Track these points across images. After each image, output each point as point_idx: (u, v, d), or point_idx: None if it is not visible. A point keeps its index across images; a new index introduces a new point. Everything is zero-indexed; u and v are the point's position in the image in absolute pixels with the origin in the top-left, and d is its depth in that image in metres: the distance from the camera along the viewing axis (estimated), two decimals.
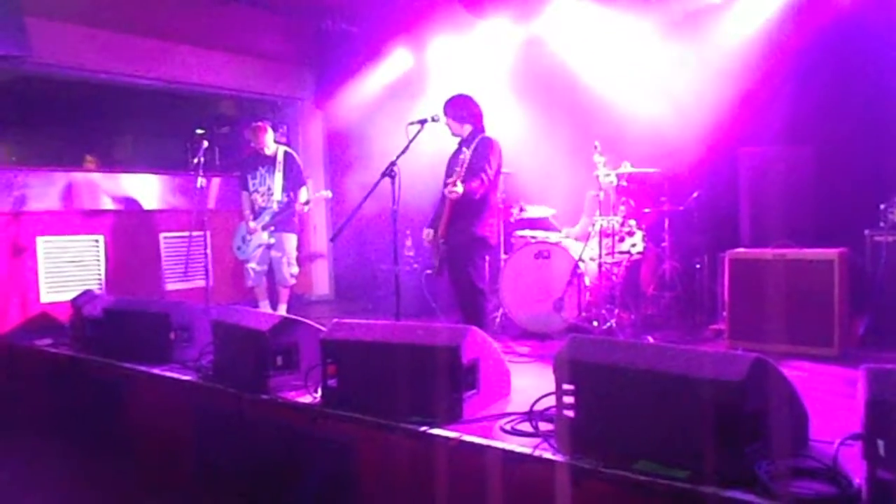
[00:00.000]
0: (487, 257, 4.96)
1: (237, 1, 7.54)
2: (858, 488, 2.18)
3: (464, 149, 4.61)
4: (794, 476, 2.32)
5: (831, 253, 4.35)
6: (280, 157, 6.47)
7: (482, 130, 4.83)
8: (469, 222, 4.64)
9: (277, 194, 6.40)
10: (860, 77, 5.21)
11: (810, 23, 5.29)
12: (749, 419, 2.34)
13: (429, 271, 4.87)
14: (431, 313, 5.55)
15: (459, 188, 4.45)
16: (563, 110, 6.55)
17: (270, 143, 6.49)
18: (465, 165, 4.52)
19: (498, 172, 4.79)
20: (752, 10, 5.69)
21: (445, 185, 4.60)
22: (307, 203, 6.43)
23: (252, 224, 6.41)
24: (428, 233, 4.85)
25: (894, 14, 5.06)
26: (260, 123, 6.60)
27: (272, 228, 6.40)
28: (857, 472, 2.23)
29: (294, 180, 6.50)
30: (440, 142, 4.93)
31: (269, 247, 6.43)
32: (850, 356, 4.23)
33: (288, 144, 7.60)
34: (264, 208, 6.42)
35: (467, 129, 4.81)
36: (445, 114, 4.79)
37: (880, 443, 2.07)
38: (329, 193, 6.97)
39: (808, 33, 5.31)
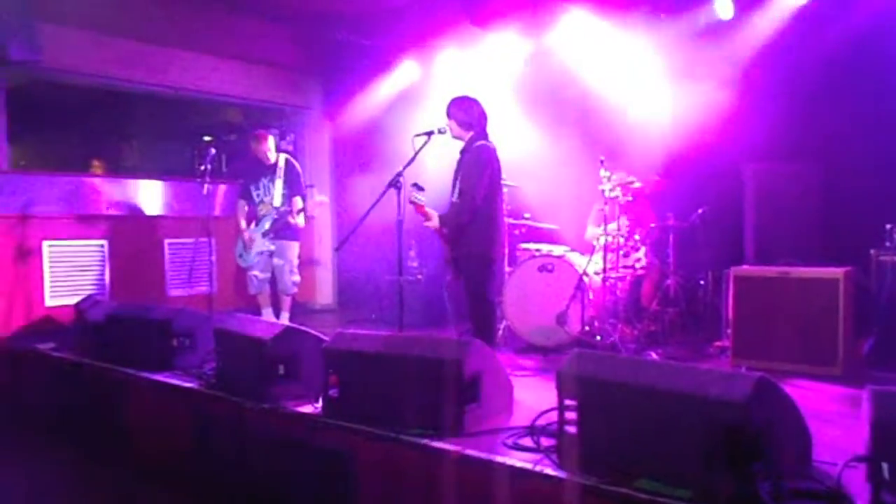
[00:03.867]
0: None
1: (247, 11, 7.58)
2: None
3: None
4: (796, 497, 2.30)
5: (837, 272, 4.32)
6: (281, 164, 6.47)
7: (484, 137, 4.62)
8: (481, 245, 4.54)
9: (277, 201, 6.39)
10: (869, 95, 5.21)
11: (820, 40, 5.30)
12: (752, 439, 2.32)
13: (448, 278, 4.84)
14: (436, 324, 5.55)
15: (434, 222, 4.51)
16: (570, 124, 6.56)
17: (272, 152, 6.50)
18: (457, 181, 4.53)
19: (493, 182, 4.53)
20: (761, 27, 5.69)
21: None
22: (301, 211, 6.34)
23: (252, 230, 6.40)
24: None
25: None
26: (261, 132, 6.60)
27: (271, 236, 6.39)
28: (860, 495, 2.22)
29: (293, 188, 6.49)
30: (446, 154, 4.93)
31: (270, 254, 6.42)
32: (854, 376, 4.20)
33: (294, 153, 7.60)
34: (265, 216, 6.42)
35: (469, 134, 4.61)
36: (448, 115, 4.63)
37: (885, 466, 2.06)
38: (325, 198, 6.92)
39: (818, 50, 5.32)
